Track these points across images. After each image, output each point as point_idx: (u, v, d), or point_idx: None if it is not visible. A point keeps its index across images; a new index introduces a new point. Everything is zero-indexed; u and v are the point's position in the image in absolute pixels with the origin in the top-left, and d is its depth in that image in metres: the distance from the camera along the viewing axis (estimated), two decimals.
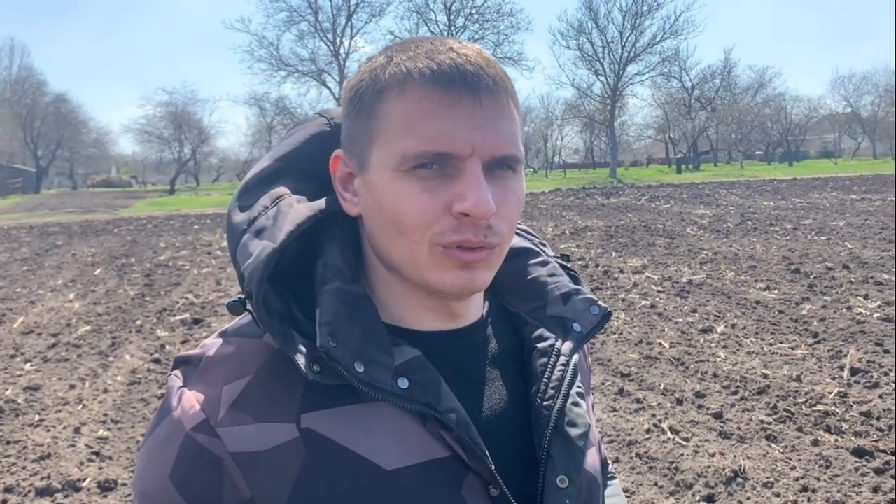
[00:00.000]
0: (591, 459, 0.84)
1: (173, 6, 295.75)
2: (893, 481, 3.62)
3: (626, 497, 3.61)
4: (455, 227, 0.70)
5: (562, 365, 0.81)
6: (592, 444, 0.85)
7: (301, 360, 0.69)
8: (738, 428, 4.38)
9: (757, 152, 78.35)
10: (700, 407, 4.76)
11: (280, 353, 0.72)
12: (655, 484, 3.77)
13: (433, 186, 0.70)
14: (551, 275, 0.90)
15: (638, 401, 4.94)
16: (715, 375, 5.36)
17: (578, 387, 0.82)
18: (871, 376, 5.12)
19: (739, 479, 3.74)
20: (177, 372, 0.76)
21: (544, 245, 0.96)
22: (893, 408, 4.50)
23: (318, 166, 0.81)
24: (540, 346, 0.83)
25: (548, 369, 0.81)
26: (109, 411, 5.20)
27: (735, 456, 3.98)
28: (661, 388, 5.16)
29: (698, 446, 4.15)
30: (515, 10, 60.58)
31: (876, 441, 4.06)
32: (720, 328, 6.67)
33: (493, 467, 0.71)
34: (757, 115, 70.99)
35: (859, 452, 3.93)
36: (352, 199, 0.77)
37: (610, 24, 55.63)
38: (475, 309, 0.83)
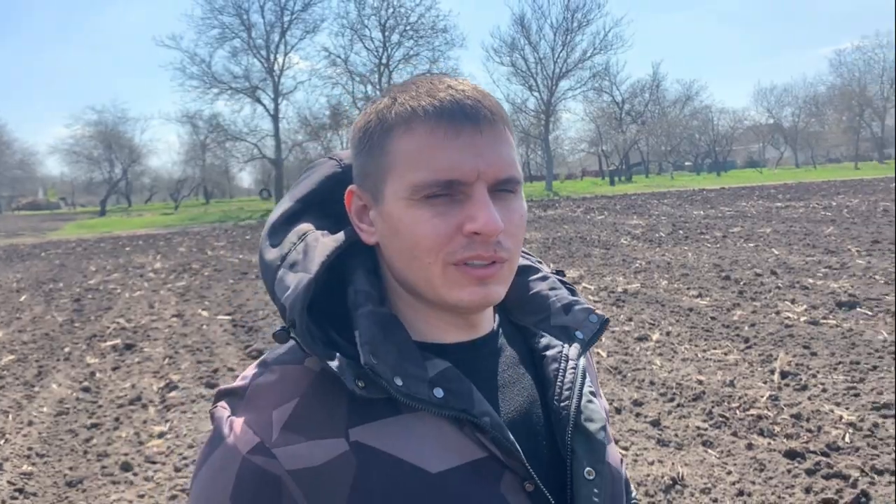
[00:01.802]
0: (613, 453, 0.89)
1: (101, 23, 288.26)
2: (824, 481, 3.73)
3: None
4: (466, 245, 0.76)
5: (572, 368, 0.89)
6: (612, 440, 0.91)
7: (347, 378, 0.75)
8: (676, 435, 4.46)
9: (686, 163, 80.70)
10: (638, 415, 4.83)
11: (322, 375, 0.78)
12: None
13: (444, 211, 0.76)
14: (552, 288, 0.98)
15: None
16: (652, 383, 5.45)
17: (589, 386, 0.90)
18: (800, 379, 5.29)
19: (678, 487, 3.80)
20: (222, 403, 0.81)
21: (541, 262, 1.03)
22: (822, 409, 4.65)
23: (334, 205, 0.89)
24: (549, 353, 0.90)
25: (560, 373, 0.88)
26: (35, 445, 4.97)
27: (673, 463, 4.04)
28: None
29: (637, 455, 4.20)
30: (449, 26, 60.95)
31: (806, 442, 4.19)
32: (655, 336, 6.80)
33: (527, 464, 0.78)
34: (685, 128, 73.17)
35: (791, 454, 4.05)
36: (368, 230, 0.84)
37: (542, 41, 56.56)
38: (488, 320, 0.90)
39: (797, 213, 19.26)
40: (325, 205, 0.90)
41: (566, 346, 0.91)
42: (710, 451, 4.21)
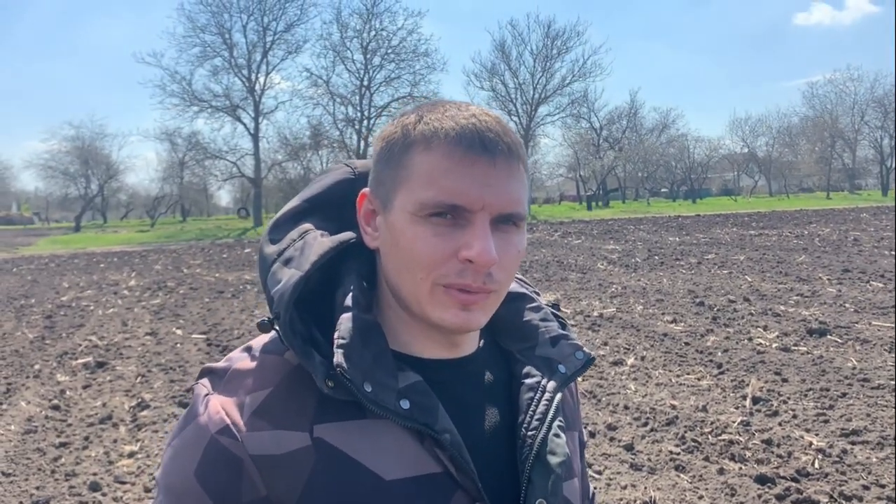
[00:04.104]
0: (572, 489, 0.91)
1: (80, 38, 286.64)
2: None
3: None
4: (459, 272, 0.79)
5: (546, 400, 0.90)
6: (574, 476, 0.93)
7: (318, 376, 0.78)
8: (649, 459, 4.48)
9: (662, 190, 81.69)
10: (612, 439, 4.86)
11: (298, 369, 0.82)
12: None
13: (444, 233, 0.79)
14: (543, 319, 0.99)
15: None
16: (626, 407, 5.49)
17: (560, 421, 0.91)
18: (772, 404, 5.35)
19: None
20: (204, 381, 0.85)
21: (538, 294, 1.05)
22: (792, 435, 4.71)
23: (341, 209, 0.93)
24: (528, 381, 0.92)
25: (533, 402, 0.90)
26: (1, 463, 4.87)
27: (646, 487, 4.07)
28: None
29: (611, 479, 4.22)
30: (430, 50, 61.24)
31: (777, 468, 4.23)
32: (630, 360, 6.85)
33: (480, 486, 0.80)
34: (662, 155, 74.13)
35: (762, 479, 4.09)
36: (372, 234, 0.87)
37: (521, 67, 57.30)
38: (472, 342, 0.92)
39: (770, 241, 19.53)
40: (332, 208, 0.93)
41: (546, 377, 0.93)
42: (682, 475, 4.24)
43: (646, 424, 5.10)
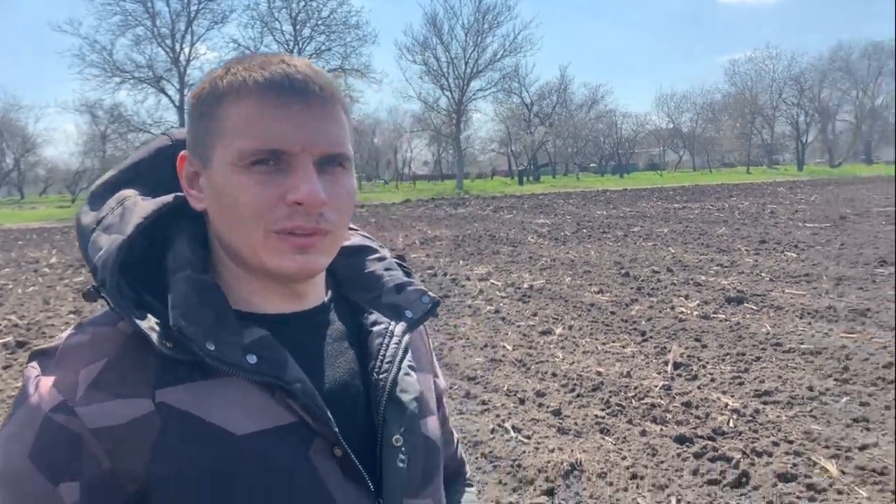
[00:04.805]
0: (431, 426, 0.95)
1: None
2: (710, 463, 3.98)
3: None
4: (288, 215, 0.78)
5: (395, 343, 0.92)
6: (431, 413, 0.96)
7: (154, 337, 0.76)
8: (575, 423, 4.64)
9: (591, 165, 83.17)
10: (540, 405, 5.01)
11: (134, 337, 0.78)
12: (500, 481, 3.92)
13: (268, 180, 0.78)
14: (387, 269, 1.01)
15: (483, 402, 5.11)
16: (554, 375, 5.65)
17: (409, 361, 0.94)
18: (691, 369, 5.60)
19: (576, 472, 3.97)
20: (33, 364, 0.81)
21: (382, 246, 1.06)
22: (710, 397, 4.95)
23: (162, 175, 0.91)
24: (376, 328, 0.93)
25: (383, 347, 0.91)
26: None
27: (572, 450, 4.22)
28: (505, 389, 5.38)
29: (539, 443, 4.36)
30: (361, 22, 60.73)
31: (695, 428, 4.45)
32: (558, 330, 7.04)
33: (337, 430, 0.80)
34: (591, 130, 75.43)
35: (681, 439, 4.29)
36: (198, 196, 0.85)
37: (453, 41, 57.05)
38: (317, 294, 0.92)
39: (693, 213, 20.21)
40: (151, 176, 0.91)
41: (393, 323, 0.94)
42: (606, 437, 4.41)
43: (573, 391, 5.27)
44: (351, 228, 1.01)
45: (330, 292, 0.95)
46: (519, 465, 4.07)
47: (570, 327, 7.19)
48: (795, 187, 34.58)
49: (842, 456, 3.96)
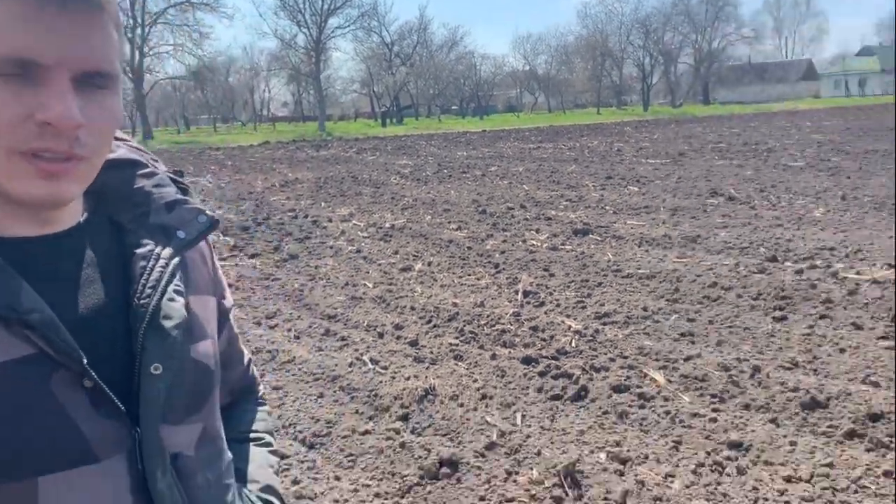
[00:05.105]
0: (203, 350, 0.89)
1: None
2: (553, 381, 4.31)
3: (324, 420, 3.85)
4: (37, 135, 0.70)
5: (161, 267, 0.85)
6: (206, 337, 0.91)
7: None
8: (431, 352, 4.85)
9: (453, 107, 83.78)
10: (398, 338, 5.18)
11: None
12: (356, 411, 4.06)
13: (15, 93, 0.69)
14: (157, 185, 0.92)
15: (343, 338, 5.22)
16: (412, 308, 5.84)
17: (177, 286, 0.86)
18: (539, 296, 5.95)
19: (430, 397, 4.17)
20: None
21: (157, 161, 0.98)
22: (555, 321, 5.30)
23: None
24: (140, 251, 0.86)
25: (146, 271, 0.84)
26: None
27: (427, 377, 4.42)
28: (365, 324, 5.50)
29: (395, 372, 4.53)
30: None
31: (540, 349, 4.77)
32: (418, 266, 7.23)
33: (85, 361, 0.74)
34: (451, 72, 75.75)
35: (527, 360, 4.60)
36: None
37: None
38: (70, 216, 0.83)
39: (546, 153, 21.00)
40: None
41: (161, 245, 0.87)
42: (459, 363, 4.65)
43: (429, 322, 5.48)
44: (117, 138, 0.92)
45: (86, 214, 0.86)
46: (375, 395, 4.22)
47: (430, 263, 7.39)
48: (641, 126, 36.59)
49: (669, 367, 4.39)
